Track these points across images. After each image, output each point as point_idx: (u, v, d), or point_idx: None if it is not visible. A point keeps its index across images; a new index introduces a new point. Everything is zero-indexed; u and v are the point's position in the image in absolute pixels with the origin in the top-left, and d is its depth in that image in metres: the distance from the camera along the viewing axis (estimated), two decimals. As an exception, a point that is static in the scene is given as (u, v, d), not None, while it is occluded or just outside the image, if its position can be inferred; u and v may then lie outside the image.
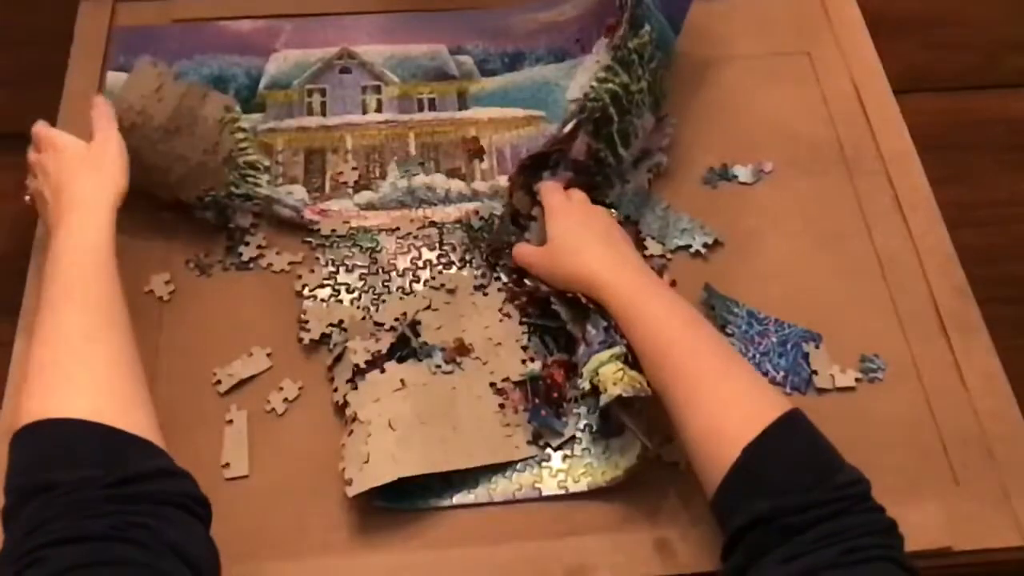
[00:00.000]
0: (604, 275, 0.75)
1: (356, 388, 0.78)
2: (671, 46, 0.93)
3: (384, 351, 0.80)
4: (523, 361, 0.81)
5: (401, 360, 0.80)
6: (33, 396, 0.63)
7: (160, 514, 0.59)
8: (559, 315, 0.79)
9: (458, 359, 0.81)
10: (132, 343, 0.69)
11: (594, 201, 0.84)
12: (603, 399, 0.72)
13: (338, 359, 0.81)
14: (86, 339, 0.66)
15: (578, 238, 0.79)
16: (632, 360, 0.73)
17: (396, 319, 0.83)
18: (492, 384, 0.80)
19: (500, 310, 0.84)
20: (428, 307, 0.84)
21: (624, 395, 0.71)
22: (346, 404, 0.78)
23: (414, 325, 0.82)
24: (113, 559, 0.55)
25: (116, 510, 0.57)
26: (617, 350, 0.73)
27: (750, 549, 0.62)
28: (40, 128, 0.82)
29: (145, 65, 0.86)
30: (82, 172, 0.76)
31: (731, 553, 0.64)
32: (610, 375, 0.72)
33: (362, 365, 0.79)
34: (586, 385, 0.74)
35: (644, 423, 0.74)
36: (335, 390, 0.79)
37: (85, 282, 0.69)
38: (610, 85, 0.85)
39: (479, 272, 0.86)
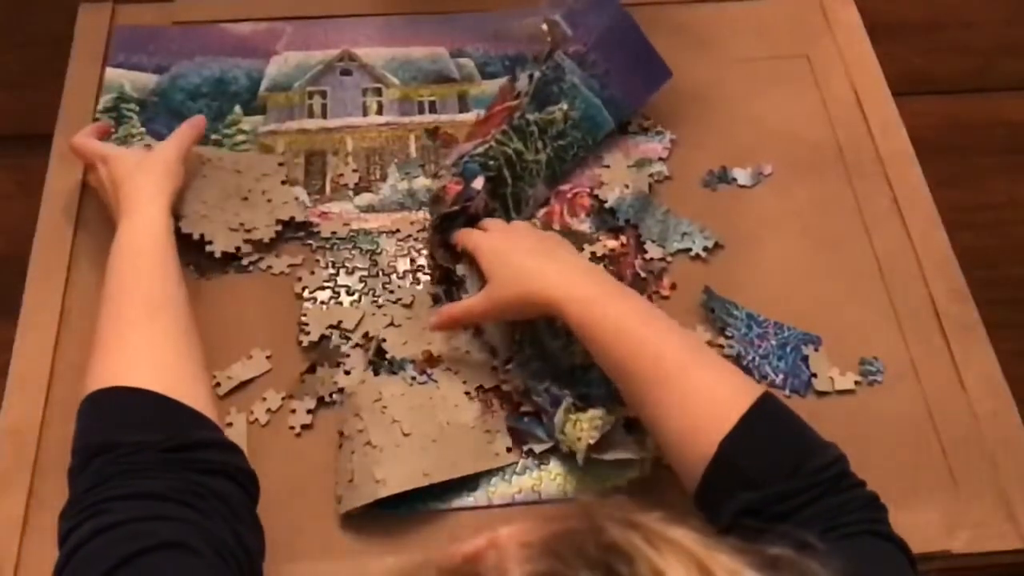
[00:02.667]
0: (553, 292, 0.72)
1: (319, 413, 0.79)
2: (601, 130, 0.92)
3: (344, 386, 0.80)
4: (494, 367, 0.81)
5: (375, 373, 0.80)
6: (100, 367, 0.68)
7: (211, 484, 0.62)
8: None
9: (429, 370, 0.81)
10: (191, 324, 0.73)
11: None
12: (580, 459, 0.73)
13: (301, 380, 0.80)
14: (149, 318, 0.71)
15: (513, 265, 0.76)
16: (579, 405, 0.74)
17: (364, 336, 0.82)
18: (467, 393, 0.79)
19: None
20: (390, 324, 0.83)
21: (592, 443, 0.72)
22: (304, 430, 0.78)
23: (379, 344, 0.82)
24: (169, 516, 0.59)
25: (171, 473, 0.61)
26: (564, 404, 0.75)
27: (741, 536, 0.62)
28: (82, 146, 0.85)
29: (276, 159, 0.93)
30: (136, 174, 0.81)
31: None
32: (572, 432, 0.74)
33: (327, 398, 0.79)
34: (565, 450, 0.75)
35: (640, 435, 0.75)
36: (293, 412, 0.78)
37: (145, 269, 0.75)
38: (505, 148, 0.86)
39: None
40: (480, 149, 0.86)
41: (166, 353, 0.70)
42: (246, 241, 0.86)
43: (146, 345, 0.70)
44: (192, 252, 0.87)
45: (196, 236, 0.85)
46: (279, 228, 0.87)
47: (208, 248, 0.85)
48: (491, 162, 0.85)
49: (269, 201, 0.89)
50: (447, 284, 0.84)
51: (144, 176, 0.81)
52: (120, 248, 0.76)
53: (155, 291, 0.73)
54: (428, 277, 0.86)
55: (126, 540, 0.56)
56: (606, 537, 0.35)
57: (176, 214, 0.83)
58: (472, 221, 0.84)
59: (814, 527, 0.59)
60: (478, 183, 0.83)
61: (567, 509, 0.41)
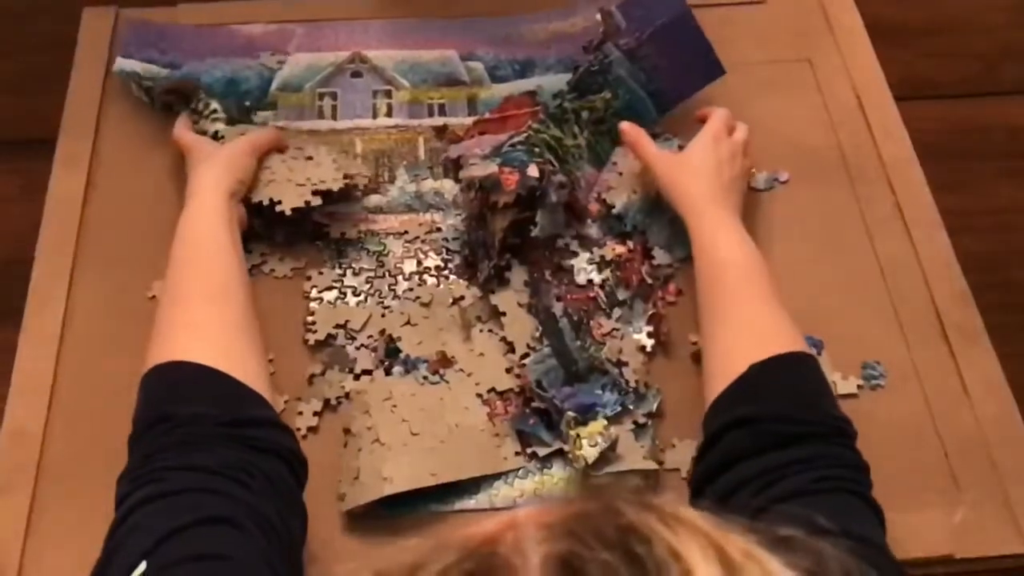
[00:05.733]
0: (702, 205, 0.82)
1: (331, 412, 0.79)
2: (643, 121, 0.92)
3: (352, 391, 0.80)
4: (508, 370, 0.81)
5: (387, 372, 0.81)
6: (159, 345, 0.71)
7: (261, 462, 0.63)
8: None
9: (442, 371, 0.81)
10: (248, 307, 0.76)
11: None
12: (578, 477, 0.74)
13: (310, 382, 0.81)
14: (206, 301, 0.74)
15: (707, 172, 0.84)
16: (580, 419, 0.75)
17: (370, 336, 0.82)
18: (479, 395, 0.79)
19: (479, 318, 0.84)
20: (407, 322, 0.83)
21: (590, 460, 0.72)
22: (309, 432, 0.78)
23: (393, 342, 0.82)
24: (218, 490, 0.60)
25: (223, 448, 0.63)
26: (565, 418, 0.75)
27: (728, 448, 0.64)
28: (177, 137, 0.89)
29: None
30: (202, 165, 0.84)
31: (707, 452, 0.65)
32: (571, 448, 0.74)
33: (333, 401, 0.79)
34: (581, 465, 0.75)
35: (647, 441, 0.75)
36: (300, 413, 0.79)
37: (202, 255, 0.77)
38: (543, 135, 0.88)
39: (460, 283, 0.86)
40: (519, 138, 0.87)
41: (221, 333, 0.72)
42: (314, 193, 0.85)
43: (203, 325, 0.72)
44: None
45: (266, 201, 0.85)
46: (347, 181, 0.87)
47: (278, 208, 0.85)
48: (535, 148, 0.86)
49: (334, 160, 0.89)
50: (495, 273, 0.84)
51: (205, 168, 0.83)
52: (177, 235, 0.79)
53: (210, 276, 0.76)
54: (434, 279, 0.86)
55: (175, 511, 0.58)
56: (623, 518, 0.35)
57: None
58: (555, 208, 0.85)
59: (802, 471, 0.61)
60: (533, 171, 0.84)
61: (582, 492, 0.41)
